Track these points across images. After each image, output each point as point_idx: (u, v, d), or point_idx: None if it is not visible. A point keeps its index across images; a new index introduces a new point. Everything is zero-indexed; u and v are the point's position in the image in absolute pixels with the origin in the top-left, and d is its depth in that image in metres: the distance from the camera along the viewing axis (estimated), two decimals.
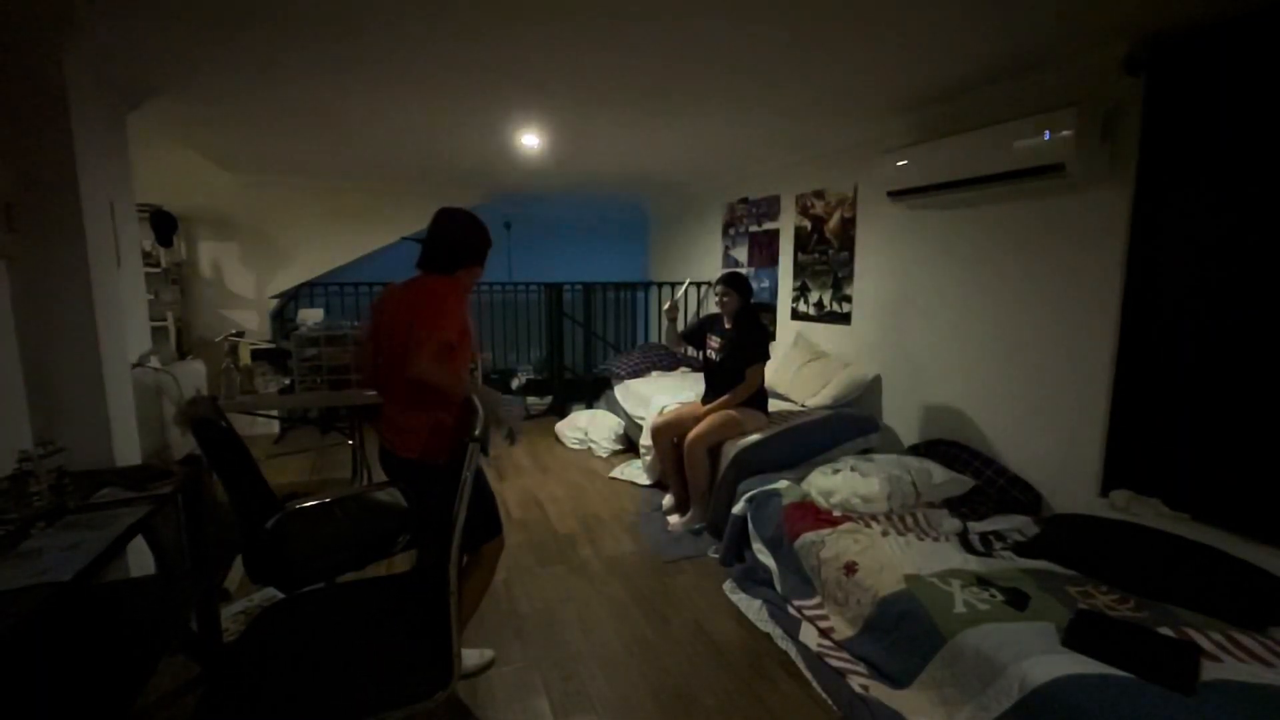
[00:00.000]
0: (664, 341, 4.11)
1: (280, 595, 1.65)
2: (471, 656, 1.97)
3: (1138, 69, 2.07)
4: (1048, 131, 2.20)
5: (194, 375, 2.83)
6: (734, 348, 3.09)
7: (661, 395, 3.77)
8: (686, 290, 4.13)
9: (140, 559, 2.03)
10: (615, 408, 4.60)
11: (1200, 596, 1.71)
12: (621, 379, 4.66)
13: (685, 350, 3.49)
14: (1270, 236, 1.82)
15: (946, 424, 3.00)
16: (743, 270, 4.81)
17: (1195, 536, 1.94)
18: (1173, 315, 2.08)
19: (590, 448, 4.46)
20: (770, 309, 4.48)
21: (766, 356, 3.08)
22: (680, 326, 3.42)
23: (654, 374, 4.69)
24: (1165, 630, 1.60)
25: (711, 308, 3.69)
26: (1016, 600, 1.76)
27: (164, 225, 4.20)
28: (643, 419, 3.85)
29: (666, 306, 3.28)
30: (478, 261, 1.83)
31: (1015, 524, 2.30)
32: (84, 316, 1.97)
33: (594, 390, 5.22)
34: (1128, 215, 2.17)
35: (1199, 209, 1.99)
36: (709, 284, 5.08)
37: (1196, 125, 1.97)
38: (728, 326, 3.15)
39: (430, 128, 3.30)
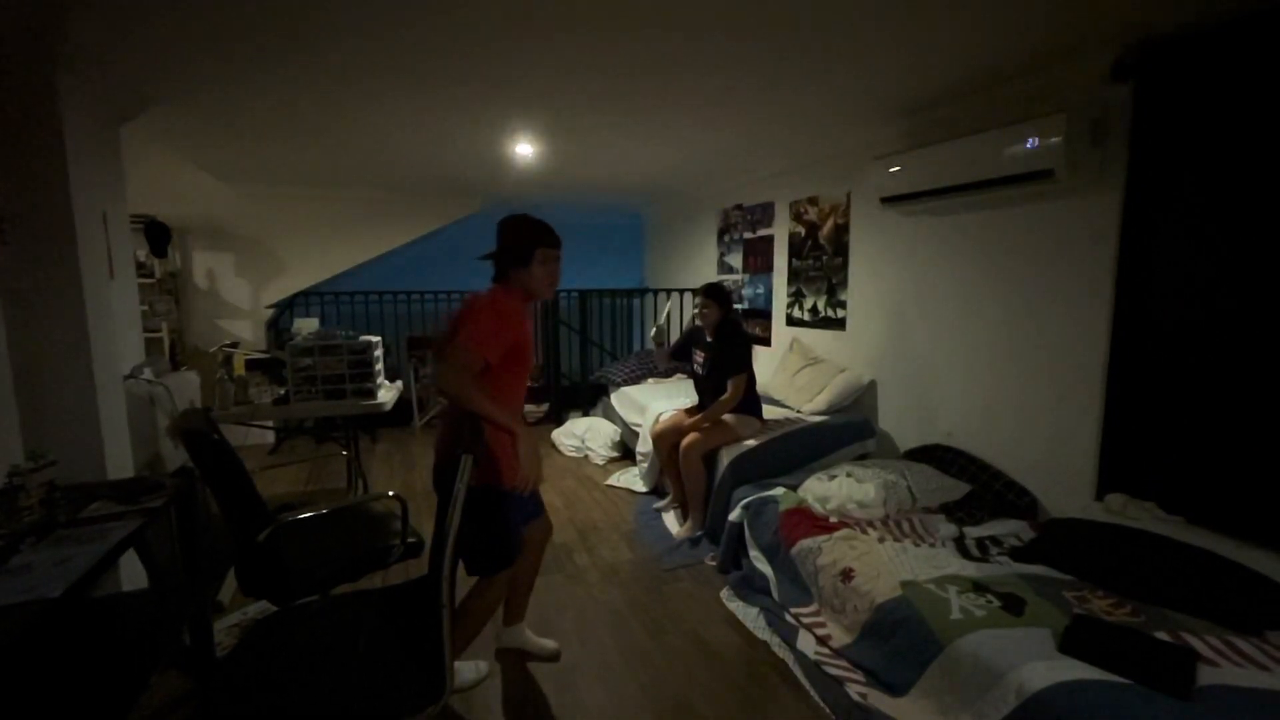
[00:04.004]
0: (657, 365, 4.15)
1: (274, 608, 1.64)
2: (467, 670, 1.96)
3: (1125, 75, 2.09)
4: (1037, 138, 2.22)
5: (188, 386, 2.82)
6: (716, 360, 3.10)
7: (658, 402, 3.77)
8: (670, 312, 4.15)
9: (132, 572, 2.01)
10: (612, 415, 4.60)
11: (1196, 601, 1.71)
12: (618, 386, 4.66)
13: (677, 366, 3.51)
14: (1259, 239, 1.84)
15: (942, 429, 3.01)
16: (738, 277, 4.83)
17: (1191, 540, 1.94)
18: (1164, 318, 2.09)
19: (587, 455, 4.45)
20: (765, 315, 4.49)
21: (746, 367, 3.07)
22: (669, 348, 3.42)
23: (650, 380, 4.69)
24: (1161, 635, 1.59)
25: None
26: (1013, 606, 1.75)
27: (158, 235, 4.20)
28: (639, 426, 3.85)
29: (653, 333, 3.29)
30: (521, 262, 1.74)
31: (1011, 529, 2.30)
32: (76, 328, 1.97)
33: (590, 397, 5.22)
34: (1118, 219, 2.18)
35: (1188, 212, 2.00)
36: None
37: (1184, 130, 1.98)
38: (710, 339, 3.15)
39: (425, 137, 3.31)
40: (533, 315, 1.90)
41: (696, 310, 3.14)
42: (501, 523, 1.76)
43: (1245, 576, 1.77)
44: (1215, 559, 1.85)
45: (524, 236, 1.76)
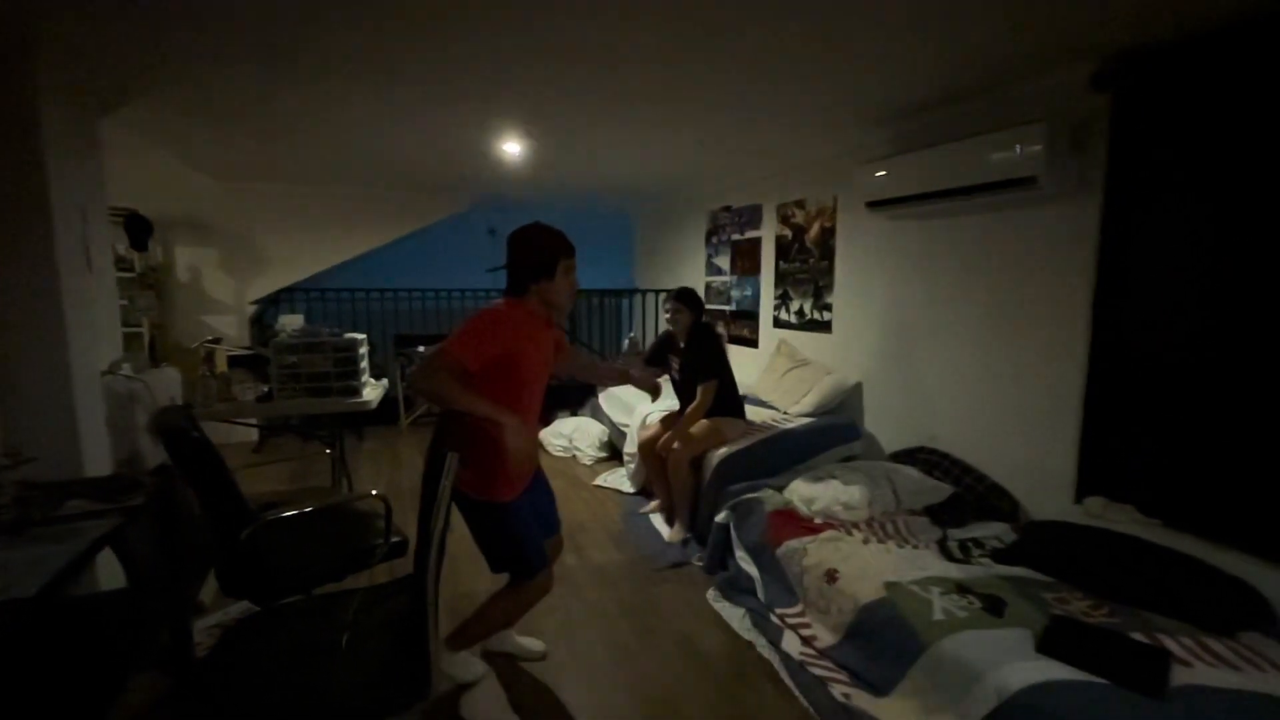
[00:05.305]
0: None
1: (256, 608, 1.62)
2: (468, 665, 1.94)
3: (1104, 85, 2.12)
4: (1019, 145, 2.25)
5: (168, 383, 2.77)
6: (689, 366, 3.09)
7: (646, 403, 3.76)
8: (633, 338, 4.21)
9: (110, 572, 1.98)
10: (600, 415, 4.59)
11: (1171, 602, 1.75)
12: (606, 386, 4.65)
13: (657, 371, 3.52)
14: (1234, 245, 1.88)
15: (927, 431, 3.04)
16: (726, 278, 4.85)
17: (1167, 543, 1.98)
18: (1141, 324, 2.12)
19: (575, 455, 4.44)
20: (753, 317, 4.51)
21: (719, 372, 3.06)
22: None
23: None
24: (1137, 636, 1.62)
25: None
26: (994, 607, 1.78)
27: (139, 229, 4.12)
28: (627, 426, 3.85)
29: (625, 347, 3.28)
30: (546, 274, 1.70)
31: (994, 531, 2.34)
32: (52, 323, 1.93)
33: (578, 397, 5.20)
34: (1097, 227, 2.22)
35: (1164, 220, 2.04)
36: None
37: (1161, 140, 2.02)
38: (682, 345, 3.14)
39: (412, 134, 3.28)
40: (547, 328, 1.82)
41: (668, 315, 3.13)
42: (509, 535, 1.73)
43: (1219, 578, 1.81)
44: (1190, 561, 1.88)
45: (547, 248, 1.70)
